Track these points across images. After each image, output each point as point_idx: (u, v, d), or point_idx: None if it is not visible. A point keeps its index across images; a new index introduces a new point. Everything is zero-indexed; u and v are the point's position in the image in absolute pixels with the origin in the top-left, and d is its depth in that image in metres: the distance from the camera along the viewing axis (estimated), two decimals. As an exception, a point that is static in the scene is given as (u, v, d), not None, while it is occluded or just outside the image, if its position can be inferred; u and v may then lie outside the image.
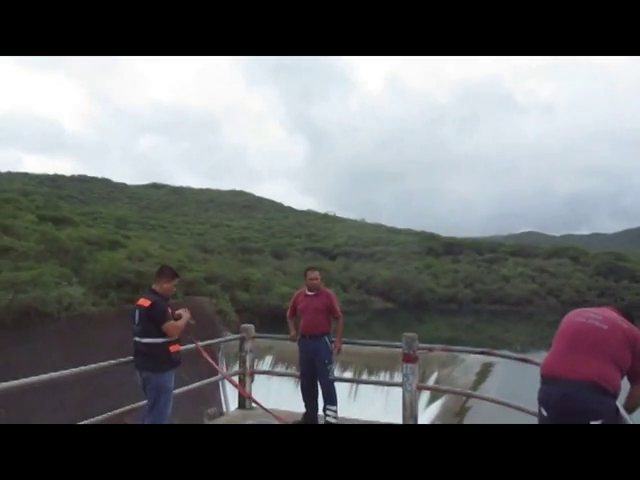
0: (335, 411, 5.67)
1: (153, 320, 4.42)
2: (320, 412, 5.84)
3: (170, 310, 4.58)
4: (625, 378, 3.02)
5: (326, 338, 5.71)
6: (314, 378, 5.75)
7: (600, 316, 3.08)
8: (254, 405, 6.68)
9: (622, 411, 2.93)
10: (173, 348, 4.49)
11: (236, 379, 6.89)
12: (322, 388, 5.72)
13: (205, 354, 5.15)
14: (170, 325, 4.44)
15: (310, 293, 5.82)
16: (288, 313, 6.13)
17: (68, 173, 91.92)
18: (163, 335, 4.42)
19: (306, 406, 5.87)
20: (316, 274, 5.82)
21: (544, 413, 3.00)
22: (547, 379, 3.02)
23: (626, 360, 2.93)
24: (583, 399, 2.82)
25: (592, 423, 2.77)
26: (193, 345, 5.25)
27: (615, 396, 2.90)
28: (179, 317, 4.65)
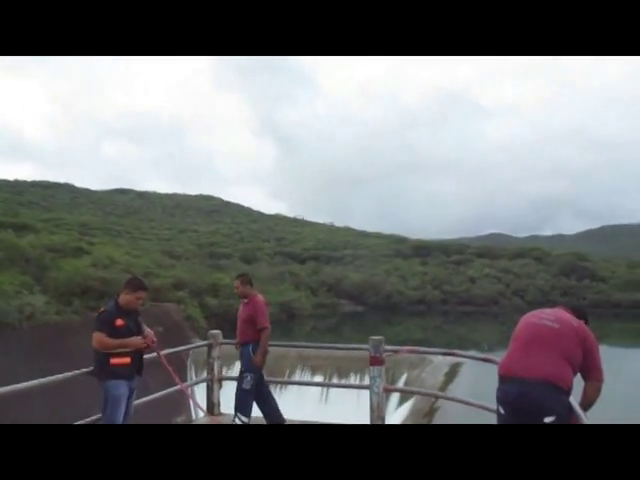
0: (244, 422, 5.60)
1: (94, 326, 4.46)
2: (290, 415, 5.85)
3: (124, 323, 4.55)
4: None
5: (250, 347, 5.67)
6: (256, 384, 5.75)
7: (552, 316, 3.22)
8: (222, 411, 6.69)
9: (576, 407, 3.06)
10: (114, 360, 4.43)
11: (204, 386, 6.87)
12: (236, 396, 5.69)
13: (167, 365, 5.07)
14: (97, 335, 4.39)
15: (244, 300, 5.82)
16: None
17: (29, 179, 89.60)
18: None
19: (260, 410, 5.87)
20: (236, 283, 5.82)
21: (501, 411, 3.12)
22: (504, 378, 3.14)
23: (577, 357, 3.07)
24: (538, 397, 2.94)
25: (546, 420, 2.89)
26: (160, 352, 5.21)
27: (568, 393, 3.03)
28: (146, 343, 4.62)
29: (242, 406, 5.65)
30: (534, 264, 54.39)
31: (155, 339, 4.71)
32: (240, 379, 5.70)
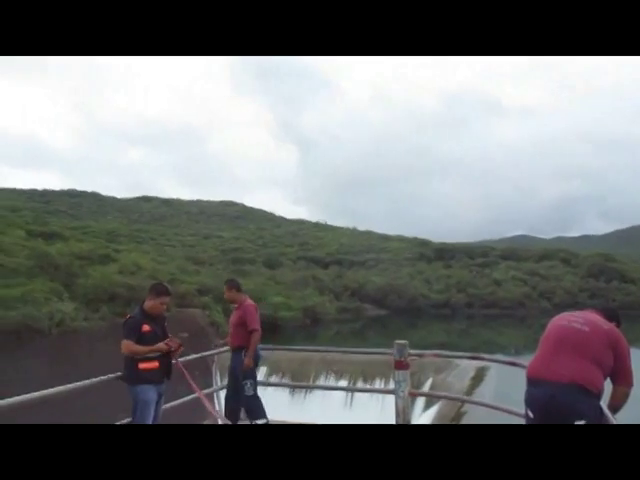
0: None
1: (123, 333, 4.53)
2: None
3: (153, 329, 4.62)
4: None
5: (243, 353, 5.63)
6: (233, 392, 5.72)
7: (582, 319, 3.15)
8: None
9: (606, 411, 2.99)
10: (143, 365, 4.50)
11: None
12: (244, 405, 5.65)
13: (186, 373, 5.07)
14: (125, 342, 4.47)
15: (235, 306, 5.81)
16: None
17: (57, 188, 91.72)
18: None
19: (226, 416, 5.80)
20: (224, 288, 5.84)
21: (530, 415, 3.06)
22: (532, 381, 3.08)
23: (608, 361, 3.00)
24: (567, 400, 2.88)
25: (576, 423, 2.83)
26: (185, 358, 5.24)
27: (598, 397, 2.96)
28: (169, 345, 4.67)
29: (255, 412, 5.61)
30: (561, 266, 53.54)
31: (177, 344, 4.73)
32: (241, 389, 5.63)
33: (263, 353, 5.98)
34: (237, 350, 5.66)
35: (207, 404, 5.46)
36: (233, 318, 5.77)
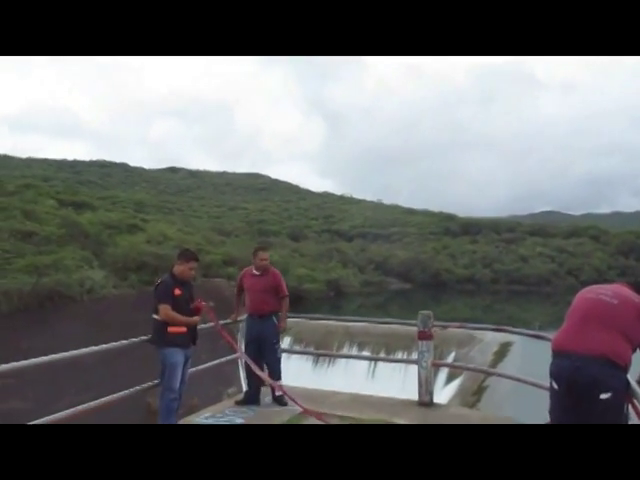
0: (282, 384, 5.81)
1: (155, 298, 4.66)
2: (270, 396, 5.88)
3: (186, 295, 4.77)
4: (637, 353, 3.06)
5: (274, 318, 5.74)
6: (258, 357, 5.75)
7: (610, 292, 3.10)
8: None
9: (633, 385, 2.96)
10: (172, 329, 4.64)
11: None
12: (269, 366, 5.78)
13: (226, 335, 5.26)
14: (163, 308, 4.60)
15: (257, 273, 5.82)
16: (235, 291, 6.14)
17: (87, 158, 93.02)
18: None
19: (249, 385, 5.89)
20: (267, 255, 5.87)
21: (555, 386, 3.05)
22: (558, 353, 3.07)
23: (637, 334, 2.96)
24: (593, 372, 2.86)
25: (602, 396, 2.82)
26: (211, 324, 5.36)
27: (625, 370, 2.93)
28: (197, 310, 4.81)
29: (278, 374, 5.78)
30: (590, 243, 52.52)
31: (202, 305, 4.88)
32: (272, 351, 5.74)
33: (288, 323, 6.09)
34: (267, 315, 5.72)
35: (253, 366, 5.56)
36: (261, 284, 5.75)
